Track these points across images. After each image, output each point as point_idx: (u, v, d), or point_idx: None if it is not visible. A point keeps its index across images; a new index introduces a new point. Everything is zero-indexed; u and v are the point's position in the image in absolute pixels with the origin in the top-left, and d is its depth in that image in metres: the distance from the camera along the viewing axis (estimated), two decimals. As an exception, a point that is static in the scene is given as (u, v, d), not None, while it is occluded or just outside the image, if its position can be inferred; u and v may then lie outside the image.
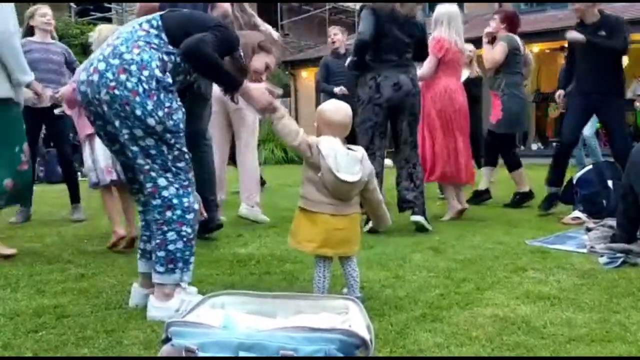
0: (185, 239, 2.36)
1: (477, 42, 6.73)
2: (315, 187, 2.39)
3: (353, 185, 2.38)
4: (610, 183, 4.50)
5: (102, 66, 2.25)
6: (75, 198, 5.18)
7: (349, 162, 2.37)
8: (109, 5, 16.99)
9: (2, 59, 3.43)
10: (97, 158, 3.70)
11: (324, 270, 2.46)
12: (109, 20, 16.69)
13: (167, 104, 2.28)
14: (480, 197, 5.78)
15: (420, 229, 4.20)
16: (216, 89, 3.71)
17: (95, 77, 2.26)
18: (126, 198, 3.76)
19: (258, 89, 2.45)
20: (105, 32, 3.63)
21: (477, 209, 5.35)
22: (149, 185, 2.35)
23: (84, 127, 3.67)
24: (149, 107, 2.23)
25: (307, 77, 16.23)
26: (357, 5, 19.76)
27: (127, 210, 3.77)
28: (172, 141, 2.32)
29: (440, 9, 4.88)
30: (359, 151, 2.45)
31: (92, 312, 2.43)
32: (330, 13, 19.89)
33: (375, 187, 2.55)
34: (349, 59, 4.53)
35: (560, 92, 5.42)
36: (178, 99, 2.35)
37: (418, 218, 4.22)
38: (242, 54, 2.55)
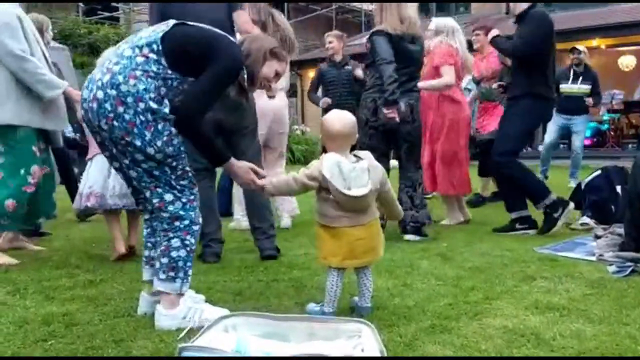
0: (188, 249, 2.39)
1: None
2: (330, 204, 2.40)
3: (366, 197, 2.39)
4: (619, 189, 4.47)
5: (100, 95, 2.25)
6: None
7: (357, 176, 2.37)
8: (116, 5, 17.02)
9: (24, 83, 3.49)
10: (85, 182, 3.63)
11: (337, 279, 2.45)
12: (116, 20, 16.73)
13: (166, 132, 2.28)
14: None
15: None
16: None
17: (95, 106, 2.26)
18: (134, 217, 3.74)
19: (241, 167, 2.49)
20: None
21: (483, 214, 5.33)
22: (155, 200, 2.36)
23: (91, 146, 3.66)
24: (147, 138, 2.25)
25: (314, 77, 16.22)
26: (364, 5, 19.74)
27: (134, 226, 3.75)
28: (174, 164, 2.34)
29: (442, 21, 4.89)
30: (366, 159, 2.44)
31: (100, 321, 2.43)
32: (336, 12, 19.86)
33: (389, 188, 2.56)
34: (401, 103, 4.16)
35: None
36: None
37: (408, 237, 4.15)
38: (250, 65, 2.51)
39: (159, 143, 2.27)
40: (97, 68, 2.42)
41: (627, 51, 14.41)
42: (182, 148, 2.35)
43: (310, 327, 1.66)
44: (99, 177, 3.58)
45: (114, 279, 3.10)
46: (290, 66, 5.04)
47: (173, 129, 2.31)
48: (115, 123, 2.23)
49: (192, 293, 2.53)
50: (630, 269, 3.07)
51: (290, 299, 2.71)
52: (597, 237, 3.86)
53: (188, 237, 2.38)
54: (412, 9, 4.16)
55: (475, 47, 5.93)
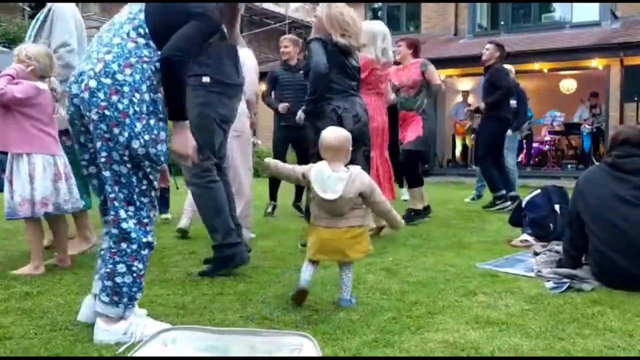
0: (135, 275, 2.33)
1: (434, 63, 6.99)
2: (314, 204, 2.85)
3: (336, 202, 2.75)
4: (557, 207, 4.62)
5: (93, 84, 2.23)
6: None
7: (333, 182, 2.75)
8: (64, 10, 16.59)
9: None
10: (35, 187, 3.40)
11: (307, 266, 2.88)
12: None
13: (155, 132, 2.30)
14: (420, 215, 5.92)
15: None
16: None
17: (86, 95, 2.24)
18: (59, 228, 3.67)
19: (190, 138, 2.43)
20: (32, 52, 3.51)
21: (427, 229, 5.42)
22: (112, 212, 2.33)
23: (16, 142, 3.43)
24: (137, 130, 2.24)
25: (267, 79, 16.21)
26: (317, 21, 19.93)
27: (61, 240, 3.67)
28: (148, 170, 2.31)
29: (366, 26, 4.92)
30: (349, 172, 2.80)
31: (36, 334, 2.35)
32: (290, 27, 19.96)
33: (378, 200, 2.89)
34: (300, 111, 4.41)
35: None
36: (167, 131, 2.36)
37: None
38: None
39: (146, 137, 2.26)
40: (83, 61, 2.36)
41: (568, 75, 14.99)
42: (162, 159, 2.34)
43: (251, 340, 1.65)
44: (46, 183, 3.44)
45: (52, 291, 3.01)
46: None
47: (162, 134, 2.32)
48: (107, 112, 2.21)
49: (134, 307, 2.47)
50: (566, 285, 3.18)
51: (235, 313, 2.69)
52: (536, 254, 3.99)
53: (135, 262, 2.32)
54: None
55: (397, 58, 6.02)
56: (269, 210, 6.38)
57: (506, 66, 7.29)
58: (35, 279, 3.25)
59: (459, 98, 14.99)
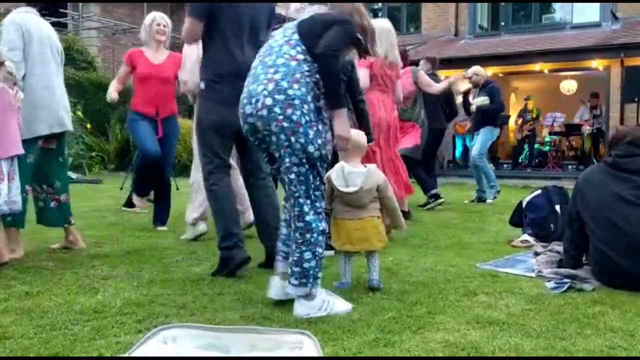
0: (317, 258, 2.69)
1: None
2: (338, 200, 3.09)
3: (356, 195, 3.02)
4: (557, 208, 4.62)
5: (269, 102, 2.58)
6: None
7: (353, 177, 3.04)
8: (64, 11, 16.60)
9: None
10: None
11: (344, 260, 3.19)
12: (64, 26, 16.31)
13: (324, 135, 2.67)
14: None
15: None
16: None
17: (265, 112, 2.60)
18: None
19: (346, 123, 2.74)
20: None
21: (428, 229, 5.41)
22: (297, 209, 2.67)
23: None
24: (310, 136, 2.60)
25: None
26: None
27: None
28: (320, 169, 2.68)
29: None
30: (367, 167, 3.10)
31: (35, 334, 2.35)
32: (290, 28, 19.97)
33: (389, 197, 3.17)
34: None
35: None
36: (330, 132, 2.72)
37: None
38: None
39: (319, 141, 2.63)
40: (251, 83, 2.69)
41: (569, 76, 15.00)
42: (329, 157, 2.71)
43: (252, 339, 1.65)
44: None
45: (52, 291, 3.00)
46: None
47: (328, 135, 2.70)
48: (285, 124, 2.58)
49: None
50: (567, 285, 3.17)
51: (235, 313, 2.69)
52: (537, 254, 3.98)
53: (317, 248, 2.68)
54: None
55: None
56: None
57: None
58: (35, 278, 3.24)
59: (459, 99, 14.98)
